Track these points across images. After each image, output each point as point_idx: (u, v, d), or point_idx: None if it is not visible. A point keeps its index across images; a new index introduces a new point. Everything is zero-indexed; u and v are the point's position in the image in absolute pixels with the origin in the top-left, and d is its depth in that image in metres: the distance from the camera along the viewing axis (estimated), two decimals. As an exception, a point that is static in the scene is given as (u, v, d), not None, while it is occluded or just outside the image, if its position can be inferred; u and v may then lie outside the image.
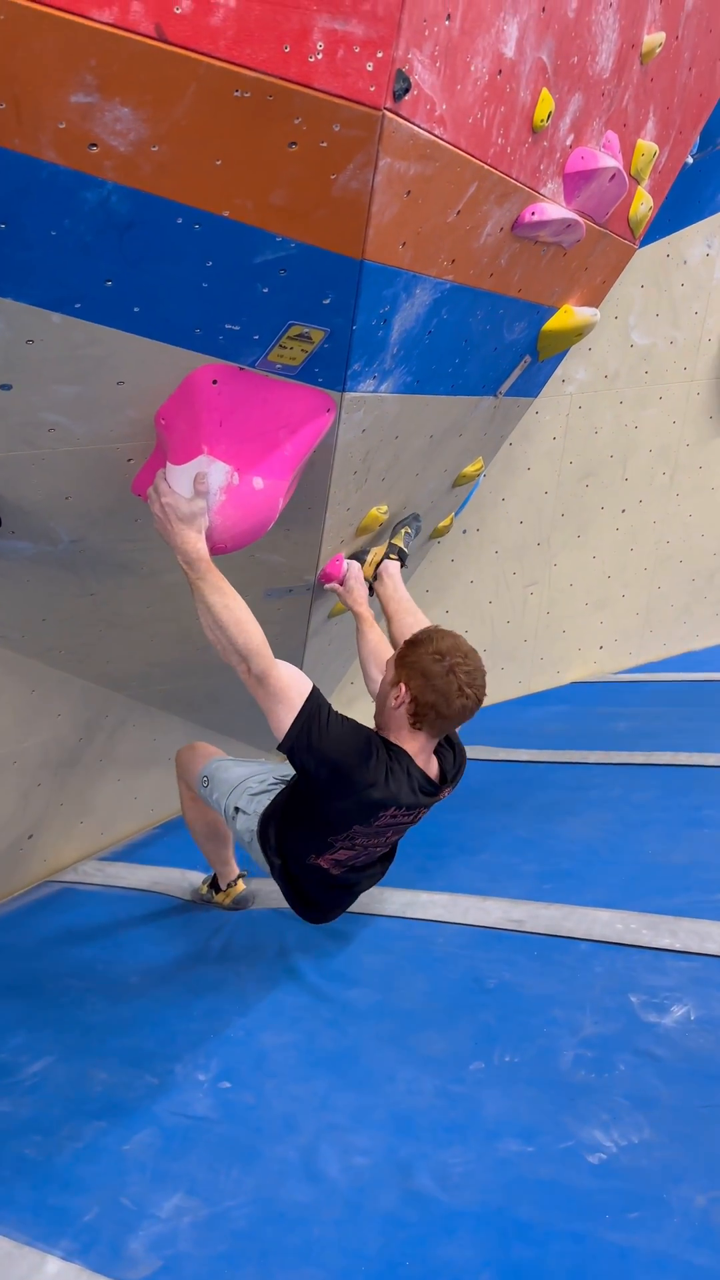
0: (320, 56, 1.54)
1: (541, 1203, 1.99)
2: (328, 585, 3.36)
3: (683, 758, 4.62)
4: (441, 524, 4.27)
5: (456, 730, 2.76)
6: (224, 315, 2.01)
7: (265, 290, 1.97)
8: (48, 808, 4.05)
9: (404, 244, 2.04)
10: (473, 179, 2.08)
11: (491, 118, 2.03)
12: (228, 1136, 2.31)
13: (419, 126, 1.76)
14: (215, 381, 2.16)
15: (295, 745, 2.36)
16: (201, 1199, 2.11)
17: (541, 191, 2.45)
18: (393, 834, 2.69)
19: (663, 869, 3.47)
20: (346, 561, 3.33)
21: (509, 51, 1.99)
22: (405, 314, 2.30)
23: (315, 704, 2.37)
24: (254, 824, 2.81)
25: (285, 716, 2.34)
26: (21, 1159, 2.27)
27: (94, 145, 1.54)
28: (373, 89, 1.60)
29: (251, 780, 2.95)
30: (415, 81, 1.69)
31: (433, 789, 2.62)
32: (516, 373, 3.38)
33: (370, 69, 1.59)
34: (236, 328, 2.05)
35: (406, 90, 1.65)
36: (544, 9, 2.07)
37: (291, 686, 2.37)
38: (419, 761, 2.57)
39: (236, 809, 2.91)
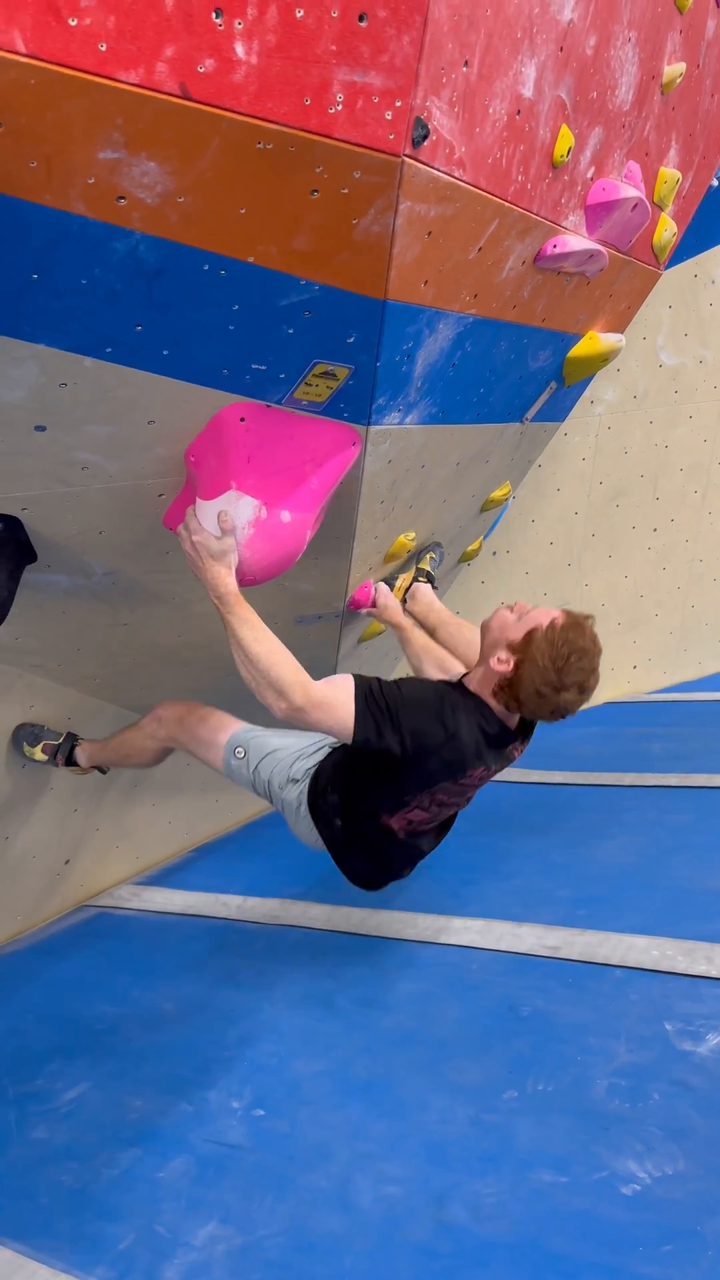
0: (340, 107, 1.58)
1: (574, 1234, 1.99)
2: (359, 610, 3.39)
3: (718, 779, 4.58)
4: (470, 547, 4.30)
5: None
6: (250, 356, 2.06)
7: (290, 331, 2.01)
8: (84, 833, 4.10)
9: (426, 282, 2.08)
10: (494, 216, 2.11)
11: (511, 156, 2.06)
12: (261, 1164, 2.33)
13: (438, 170, 1.79)
14: (243, 419, 2.20)
15: (368, 738, 2.38)
16: (235, 1227, 2.12)
17: (563, 224, 2.48)
18: (473, 791, 2.72)
19: (699, 894, 3.45)
20: (375, 584, 3.36)
21: (527, 92, 2.02)
22: (429, 349, 2.33)
23: (365, 690, 2.38)
24: (305, 790, 2.81)
25: (344, 720, 2.36)
26: (58, 1186, 2.30)
27: (122, 198, 1.59)
28: (392, 137, 1.64)
29: (307, 747, 2.93)
30: (434, 127, 1.72)
31: (509, 738, 2.62)
32: (543, 398, 3.40)
33: (389, 118, 1.63)
34: (263, 367, 2.09)
35: (425, 136, 1.68)
36: (562, 48, 2.10)
37: (335, 696, 2.37)
38: (496, 712, 2.58)
39: (291, 779, 2.88)
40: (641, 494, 6.08)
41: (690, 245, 5.52)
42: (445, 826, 2.93)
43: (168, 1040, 2.95)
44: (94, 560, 2.62)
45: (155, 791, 4.40)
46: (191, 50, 1.41)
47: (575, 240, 2.55)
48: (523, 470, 3.98)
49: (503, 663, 2.50)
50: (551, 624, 2.49)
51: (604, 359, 3.42)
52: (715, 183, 4.31)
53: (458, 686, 2.63)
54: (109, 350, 1.89)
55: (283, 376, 2.13)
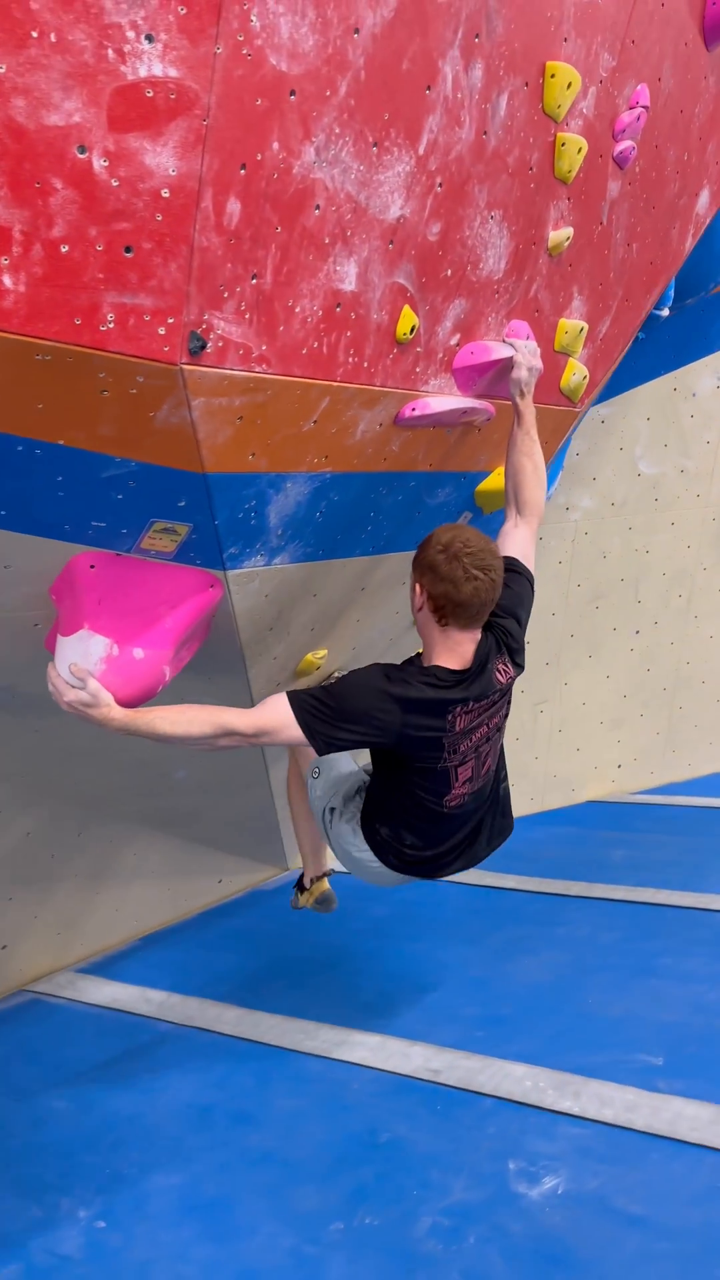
0: (112, 325, 1.75)
1: None
2: None
3: (663, 895, 4.58)
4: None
5: (517, 606, 2.81)
6: (87, 515, 2.23)
7: (120, 497, 2.18)
8: (21, 921, 4.25)
9: (253, 454, 2.24)
10: (322, 396, 2.27)
11: (335, 343, 2.22)
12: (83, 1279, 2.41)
13: (232, 370, 1.96)
14: (93, 566, 2.38)
15: (328, 742, 2.46)
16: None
17: (422, 389, 2.63)
18: (489, 734, 2.71)
19: (596, 1021, 3.47)
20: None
21: (348, 286, 2.19)
22: (280, 503, 2.48)
23: (299, 704, 2.45)
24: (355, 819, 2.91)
25: (296, 736, 2.44)
26: None
27: None
28: (166, 349, 1.81)
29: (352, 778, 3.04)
30: (218, 336, 1.89)
31: (470, 675, 2.61)
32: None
33: (163, 333, 1.80)
34: (102, 524, 2.26)
35: (203, 347, 1.85)
36: (392, 243, 2.27)
37: (275, 717, 2.45)
38: (451, 662, 2.59)
39: (327, 823, 3.01)
40: (622, 596, 6.14)
41: (668, 360, 5.65)
42: (496, 804, 2.95)
43: (46, 1140, 3.06)
44: (-13, 679, 2.80)
45: (101, 881, 4.53)
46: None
47: (439, 401, 2.69)
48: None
49: (418, 598, 2.58)
50: (426, 540, 2.58)
51: (511, 494, 3.54)
52: (665, 313, 4.45)
53: (408, 662, 2.67)
54: (-49, 512, 2.08)
55: (124, 532, 2.30)
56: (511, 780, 6.19)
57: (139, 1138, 3.03)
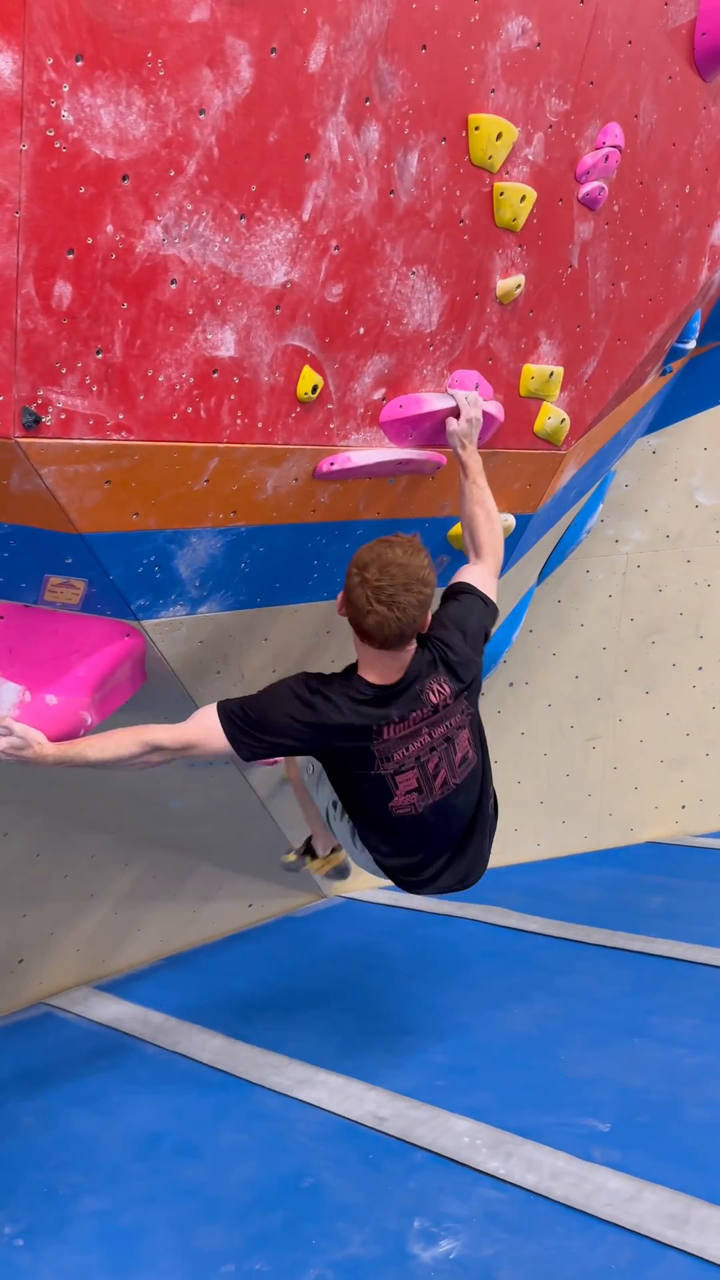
0: (-57, 405, 1.87)
1: None
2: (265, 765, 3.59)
3: (680, 949, 4.42)
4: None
5: (461, 620, 2.76)
6: (-16, 572, 2.36)
7: (5, 555, 2.30)
8: (37, 937, 4.45)
9: (136, 514, 2.32)
10: (208, 457, 2.33)
11: (215, 407, 2.28)
12: (-19, 1297, 2.53)
13: (82, 440, 2.04)
14: (1, 617, 2.50)
15: (252, 750, 2.51)
16: None
17: (341, 444, 2.65)
18: (432, 744, 2.67)
19: (559, 1080, 3.39)
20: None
21: (225, 352, 2.24)
22: (189, 557, 2.56)
23: (227, 713, 2.50)
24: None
25: (222, 744, 2.50)
26: None
27: None
28: (-1, 425, 1.92)
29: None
30: (59, 409, 1.98)
31: (398, 690, 2.60)
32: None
33: (-6, 410, 1.91)
34: (1, 579, 2.39)
35: (37, 421, 1.94)
36: (278, 308, 2.31)
37: (203, 729, 2.51)
38: (374, 677, 2.58)
39: (330, 818, 3.02)
40: (681, 632, 5.94)
41: (727, 390, 5.46)
42: (471, 789, 2.85)
43: (3, 1155, 3.20)
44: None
45: (119, 902, 4.70)
46: None
47: (363, 455, 2.71)
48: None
49: (340, 609, 2.56)
50: (355, 554, 2.53)
51: (493, 537, 3.51)
52: (689, 346, 4.32)
53: (347, 668, 2.67)
54: None
55: (23, 585, 2.42)
56: (561, 818, 6.10)
57: (84, 1160, 3.13)
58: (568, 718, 5.95)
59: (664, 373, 4.45)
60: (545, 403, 3.33)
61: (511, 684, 5.73)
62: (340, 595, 2.56)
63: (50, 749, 2.48)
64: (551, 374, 3.26)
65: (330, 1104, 3.34)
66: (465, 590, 2.84)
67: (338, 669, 2.69)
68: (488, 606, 2.85)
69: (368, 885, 5.63)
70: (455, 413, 2.87)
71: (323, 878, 3.66)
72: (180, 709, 3.00)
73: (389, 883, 3.01)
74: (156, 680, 2.91)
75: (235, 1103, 3.41)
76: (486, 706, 5.58)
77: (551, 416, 3.36)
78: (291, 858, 3.75)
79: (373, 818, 2.78)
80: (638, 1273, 2.42)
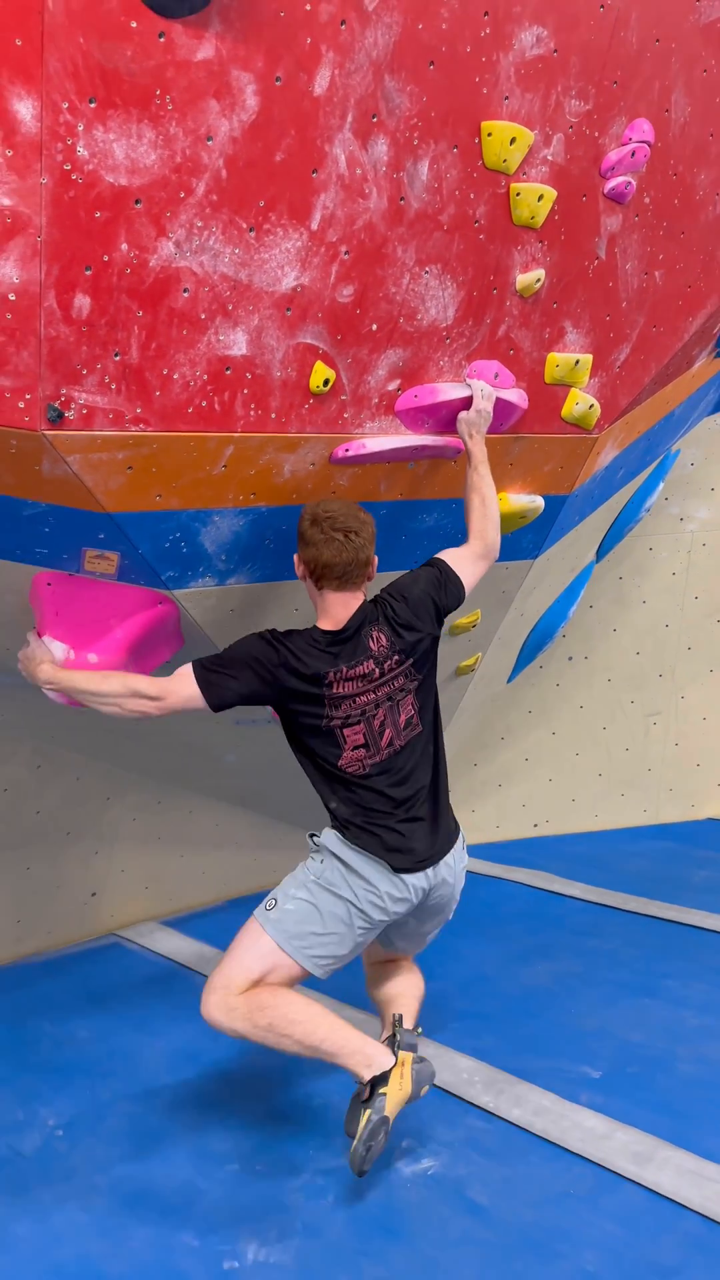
0: (-20, 402, 2.18)
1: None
2: None
3: (711, 920, 4.56)
4: (465, 662, 4.60)
5: (408, 588, 2.99)
6: (30, 543, 2.69)
7: (47, 530, 2.62)
8: (108, 874, 4.87)
9: (159, 495, 2.60)
10: (224, 445, 2.60)
11: (229, 401, 2.54)
12: (20, 1173, 2.92)
13: (103, 431, 2.33)
14: (49, 584, 2.84)
15: (219, 695, 2.72)
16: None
17: (356, 432, 2.88)
18: (376, 701, 2.86)
19: (566, 1030, 3.60)
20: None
21: (238, 351, 2.49)
22: (213, 534, 2.84)
23: (200, 666, 2.73)
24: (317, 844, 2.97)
25: (192, 691, 2.71)
26: None
27: None
28: (27, 419, 2.21)
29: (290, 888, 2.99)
30: (81, 405, 2.27)
31: (344, 636, 2.83)
32: (464, 549, 3.72)
33: (22, 406, 2.20)
34: (45, 551, 2.71)
35: (61, 416, 2.23)
36: (289, 309, 2.55)
37: (180, 680, 2.73)
38: (327, 624, 2.84)
39: (312, 850, 3.01)
40: (750, 611, 5.97)
41: None
42: (427, 759, 3.01)
43: (58, 1059, 3.61)
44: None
45: (185, 844, 5.08)
46: None
47: (378, 441, 2.93)
48: (493, 599, 4.24)
49: (298, 568, 2.87)
50: (299, 516, 2.85)
51: (521, 516, 3.69)
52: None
53: (301, 629, 2.87)
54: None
55: (65, 557, 2.74)
56: (620, 791, 6.22)
57: (126, 1070, 3.51)
58: (628, 693, 6.05)
59: (717, 355, 4.50)
60: (573, 389, 3.48)
61: (571, 658, 5.87)
62: (296, 557, 2.85)
63: (46, 670, 2.83)
64: (578, 361, 3.40)
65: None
66: (429, 563, 3.09)
67: None
68: (445, 581, 3.04)
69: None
70: (470, 402, 3.06)
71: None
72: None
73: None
74: (194, 643, 3.21)
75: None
76: (543, 678, 5.76)
77: (580, 402, 3.51)
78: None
79: (327, 777, 2.92)
80: (594, 1198, 2.65)
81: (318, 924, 2.83)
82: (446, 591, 3.02)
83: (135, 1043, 3.72)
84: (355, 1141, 2.58)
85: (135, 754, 4.40)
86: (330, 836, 2.96)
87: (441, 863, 3.01)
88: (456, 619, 4.22)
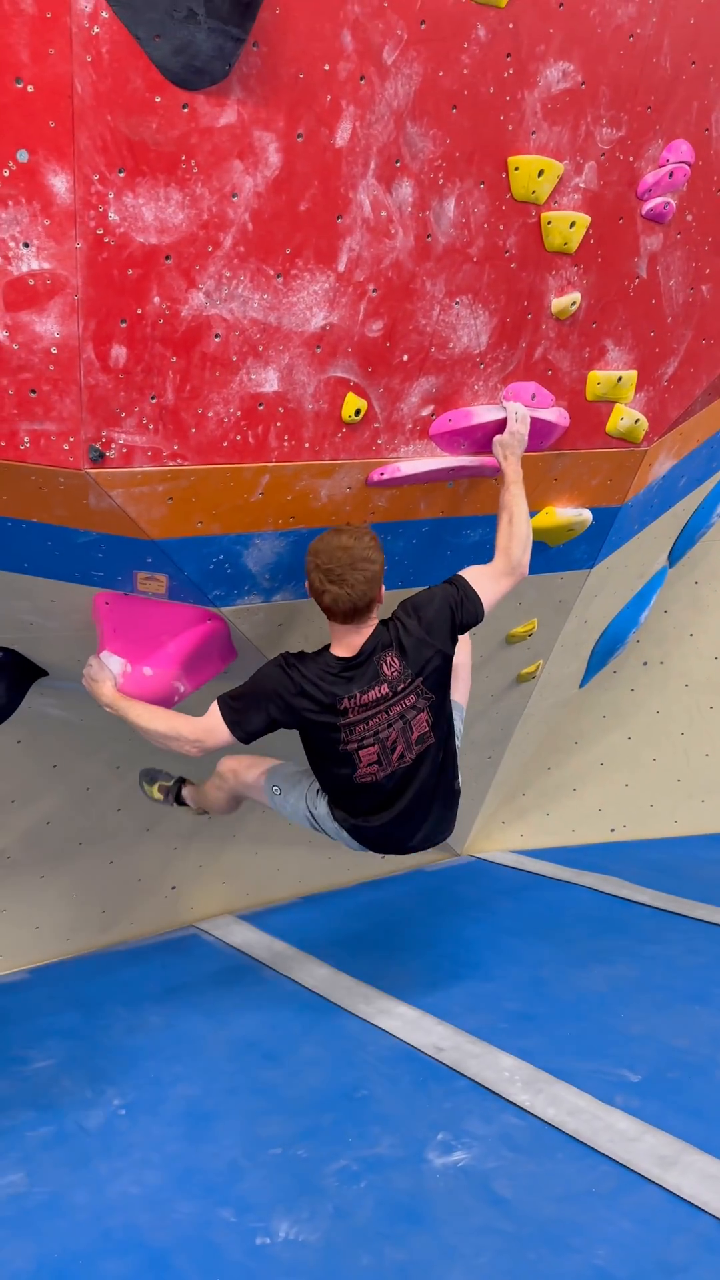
0: (28, 445, 2.40)
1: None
2: None
3: (775, 928, 4.54)
4: (526, 670, 4.69)
5: (423, 606, 3.10)
6: (86, 567, 2.92)
7: (100, 555, 2.85)
8: (187, 869, 5.13)
9: (200, 522, 2.80)
10: (259, 475, 2.78)
11: (263, 434, 2.71)
12: (83, 1146, 3.16)
13: (143, 467, 2.54)
14: (107, 602, 3.07)
15: (247, 731, 2.97)
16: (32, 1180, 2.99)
17: (391, 456, 3.03)
18: (389, 721, 3.04)
19: (611, 1034, 3.68)
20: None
21: (270, 388, 2.67)
22: (255, 556, 3.02)
23: (224, 701, 2.96)
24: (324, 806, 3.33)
25: (225, 733, 2.98)
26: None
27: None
28: (71, 459, 2.43)
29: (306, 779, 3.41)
30: (121, 445, 2.47)
31: (357, 661, 3.00)
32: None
33: (67, 448, 2.42)
34: (100, 573, 2.94)
35: (102, 456, 2.44)
36: (319, 347, 2.71)
37: (212, 720, 2.98)
38: (340, 650, 3.01)
39: (311, 812, 3.40)
40: None
41: None
42: (430, 763, 3.20)
43: (129, 1043, 3.86)
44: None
45: (260, 842, 5.31)
46: None
47: (412, 465, 3.07)
48: (549, 608, 4.32)
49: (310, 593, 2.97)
50: (309, 546, 2.94)
51: (568, 529, 3.77)
52: None
53: (315, 651, 3.06)
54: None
55: (119, 579, 2.97)
56: (700, 797, 6.19)
57: (190, 1056, 3.73)
58: (707, 698, 6.02)
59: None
60: (617, 404, 3.54)
61: (646, 663, 5.88)
62: (306, 575, 2.99)
63: (108, 692, 3.07)
64: (621, 378, 3.47)
65: (402, 1032, 3.78)
66: (449, 581, 3.19)
67: None
68: (463, 599, 3.14)
69: (500, 847, 5.99)
70: (505, 424, 3.17)
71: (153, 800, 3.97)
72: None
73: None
74: (246, 655, 3.41)
75: (322, 1023, 3.92)
76: (620, 683, 5.80)
77: (625, 418, 3.57)
78: (156, 793, 3.93)
79: (342, 789, 3.22)
80: (614, 1197, 2.74)
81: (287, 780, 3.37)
82: (464, 609, 3.13)
83: (201, 1030, 3.95)
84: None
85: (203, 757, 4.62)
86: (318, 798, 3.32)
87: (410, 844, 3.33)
88: (512, 628, 4.32)
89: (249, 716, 2.97)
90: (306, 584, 2.97)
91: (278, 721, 3.02)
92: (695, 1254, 2.49)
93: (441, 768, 3.24)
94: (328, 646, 3.08)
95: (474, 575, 3.19)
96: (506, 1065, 3.46)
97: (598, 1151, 2.94)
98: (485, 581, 3.18)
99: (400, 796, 3.19)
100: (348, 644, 3.02)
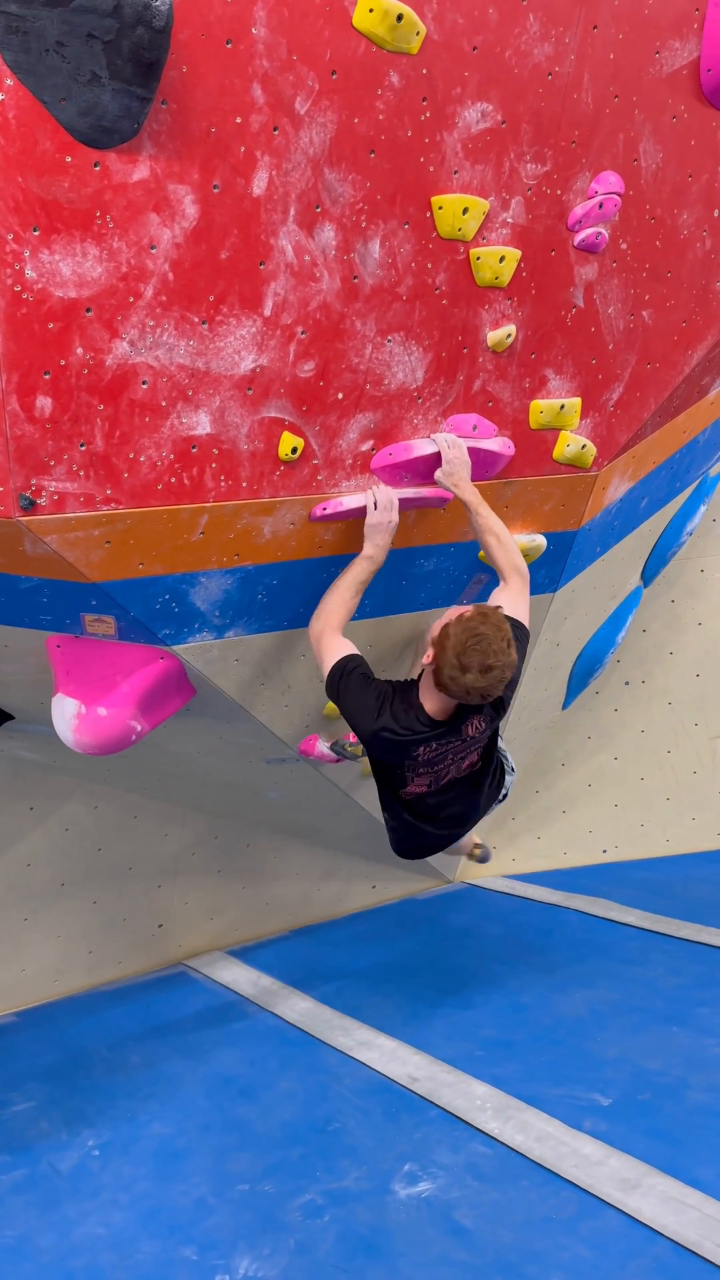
0: (-40, 496, 2.47)
1: None
2: (309, 757, 4.08)
3: (759, 946, 4.52)
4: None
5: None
6: (33, 611, 2.97)
7: (45, 599, 2.90)
8: (173, 906, 5.15)
9: (141, 564, 2.85)
10: (198, 515, 2.83)
11: (198, 475, 2.77)
12: (54, 1188, 3.17)
13: (75, 513, 2.59)
14: (59, 645, 3.12)
15: (330, 691, 3.07)
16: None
17: (332, 491, 3.08)
18: (452, 762, 3.19)
19: (586, 1059, 3.67)
20: (322, 743, 4.03)
21: (202, 430, 2.73)
22: (202, 594, 3.07)
23: (340, 668, 3.04)
24: None
25: (324, 672, 3.08)
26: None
27: None
28: (2, 508, 2.49)
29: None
30: (51, 492, 2.53)
31: (447, 723, 3.06)
32: (472, 589, 3.87)
33: (-3, 497, 2.48)
34: (48, 617, 3.00)
35: (33, 504, 2.50)
36: (250, 389, 2.77)
37: (331, 652, 3.07)
38: (433, 710, 3.03)
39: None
40: None
41: None
42: (475, 787, 3.37)
43: (107, 1083, 3.88)
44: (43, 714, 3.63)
45: (245, 877, 5.33)
46: None
47: (354, 499, 3.12)
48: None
49: (428, 657, 2.99)
50: (458, 617, 2.93)
51: (523, 555, 3.80)
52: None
53: (406, 686, 3.11)
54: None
55: (68, 621, 3.02)
56: (690, 814, 6.19)
57: (166, 1094, 3.75)
58: (691, 715, 6.03)
59: (737, 382, 4.51)
60: (563, 431, 3.59)
61: (628, 682, 5.89)
62: (431, 650, 2.96)
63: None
64: (563, 406, 3.52)
65: (378, 1064, 3.78)
66: (515, 636, 3.06)
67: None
68: (523, 640, 3.17)
69: (492, 872, 5.99)
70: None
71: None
72: (234, 714, 3.54)
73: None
74: (205, 692, 3.45)
75: (301, 1057, 3.92)
76: (603, 704, 5.81)
77: (571, 444, 3.61)
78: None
79: (387, 796, 3.38)
80: (573, 1224, 2.73)
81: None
82: (525, 641, 3.17)
83: (179, 1069, 3.96)
84: None
85: (184, 791, 4.67)
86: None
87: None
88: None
89: (341, 687, 3.05)
90: (436, 655, 2.92)
91: (357, 713, 3.06)
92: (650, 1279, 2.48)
93: (482, 774, 3.38)
94: (417, 692, 3.07)
95: (509, 603, 3.23)
96: (479, 1093, 3.46)
97: (561, 1177, 2.93)
98: (520, 606, 3.27)
99: (442, 807, 3.36)
100: (443, 708, 3.05)
